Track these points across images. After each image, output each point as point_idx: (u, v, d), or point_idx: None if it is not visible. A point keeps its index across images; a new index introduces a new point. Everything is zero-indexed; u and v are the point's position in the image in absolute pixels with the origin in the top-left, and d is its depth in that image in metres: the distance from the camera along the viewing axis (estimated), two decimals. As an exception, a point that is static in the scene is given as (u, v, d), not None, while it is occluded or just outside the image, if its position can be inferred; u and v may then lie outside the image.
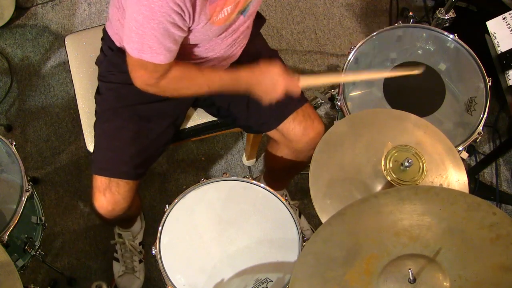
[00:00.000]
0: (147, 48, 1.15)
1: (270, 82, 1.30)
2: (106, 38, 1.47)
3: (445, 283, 0.94)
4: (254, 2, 1.29)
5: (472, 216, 0.97)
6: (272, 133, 1.52)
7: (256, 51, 1.50)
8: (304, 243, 1.34)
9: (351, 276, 0.97)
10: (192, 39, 1.26)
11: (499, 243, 0.94)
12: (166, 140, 1.48)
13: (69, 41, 1.68)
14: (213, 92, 1.32)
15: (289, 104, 1.46)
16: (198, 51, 1.33)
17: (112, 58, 1.45)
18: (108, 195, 1.37)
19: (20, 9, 2.39)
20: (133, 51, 1.17)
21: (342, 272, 0.98)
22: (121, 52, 1.40)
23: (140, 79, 1.24)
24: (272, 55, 1.55)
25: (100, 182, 1.37)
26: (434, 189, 1.02)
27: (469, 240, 0.96)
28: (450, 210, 0.98)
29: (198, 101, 1.57)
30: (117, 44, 1.42)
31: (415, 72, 1.35)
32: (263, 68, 1.30)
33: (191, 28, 1.19)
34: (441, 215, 0.98)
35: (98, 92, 1.50)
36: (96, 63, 1.55)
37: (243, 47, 1.46)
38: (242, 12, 1.27)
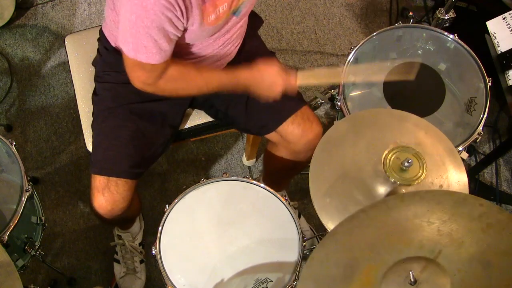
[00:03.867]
0: (142, 48, 1.15)
1: (268, 81, 1.31)
2: (102, 39, 1.48)
3: (446, 279, 0.94)
4: (246, 3, 1.29)
5: (460, 211, 0.98)
6: (271, 135, 1.52)
7: (253, 51, 1.50)
8: (304, 243, 1.34)
9: None
10: (187, 39, 1.26)
11: (491, 231, 0.95)
12: (164, 140, 1.47)
13: (69, 41, 1.68)
14: (212, 92, 1.32)
15: (288, 106, 1.46)
16: (189, 52, 1.33)
17: (107, 58, 1.45)
18: (107, 194, 1.37)
19: (20, 9, 2.39)
20: (129, 52, 1.17)
21: None
22: (116, 52, 1.40)
23: (139, 79, 1.25)
24: (269, 56, 1.55)
25: (99, 181, 1.37)
26: (419, 193, 1.03)
27: (461, 234, 0.97)
28: (438, 209, 0.99)
29: (196, 103, 1.57)
30: (112, 44, 1.43)
31: (409, 77, 1.34)
32: (261, 67, 1.31)
33: (186, 27, 1.19)
34: (430, 216, 0.99)
35: (95, 93, 1.50)
36: (93, 64, 1.55)
37: (238, 46, 1.46)
38: (234, 12, 1.27)
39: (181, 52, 1.32)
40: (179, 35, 1.20)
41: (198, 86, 1.31)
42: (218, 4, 1.19)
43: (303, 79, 1.34)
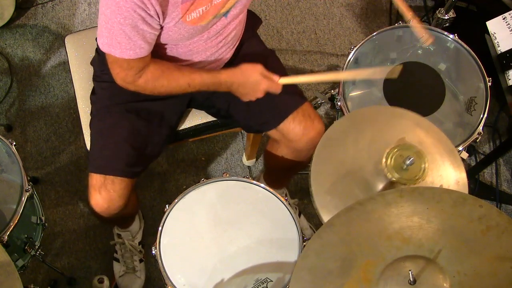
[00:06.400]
0: (116, 43, 1.16)
1: (250, 83, 1.33)
2: None
3: (445, 280, 0.94)
4: (237, 5, 1.28)
5: (459, 211, 0.98)
6: (272, 133, 1.52)
7: (251, 52, 1.50)
8: (304, 243, 1.34)
9: (350, 286, 0.97)
10: (166, 39, 1.26)
11: (490, 234, 0.95)
12: (161, 139, 1.47)
13: (69, 41, 1.68)
14: (194, 91, 1.33)
15: (289, 103, 1.46)
16: (181, 53, 1.34)
17: (104, 57, 1.45)
18: (104, 193, 1.37)
19: (20, 9, 2.39)
20: (104, 46, 1.18)
21: (340, 284, 0.98)
22: None
23: (118, 76, 1.26)
24: (269, 55, 1.54)
25: (95, 180, 1.37)
26: (418, 189, 1.02)
27: (461, 235, 0.97)
28: (437, 208, 0.98)
29: (196, 103, 1.57)
30: None
31: (393, 75, 1.35)
32: (243, 69, 1.32)
33: (162, 25, 1.19)
34: (429, 214, 0.98)
35: (93, 92, 1.50)
36: (91, 63, 1.55)
37: (234, 48, 1.45)
38: (223, 14, 1.27)
39: (171, 55, 1.33)
40: (156, 33, 1.20)
41: (180, 85, 1.31)
42: (198, 5, 1.19)
43: (286, 80, 1.36)
